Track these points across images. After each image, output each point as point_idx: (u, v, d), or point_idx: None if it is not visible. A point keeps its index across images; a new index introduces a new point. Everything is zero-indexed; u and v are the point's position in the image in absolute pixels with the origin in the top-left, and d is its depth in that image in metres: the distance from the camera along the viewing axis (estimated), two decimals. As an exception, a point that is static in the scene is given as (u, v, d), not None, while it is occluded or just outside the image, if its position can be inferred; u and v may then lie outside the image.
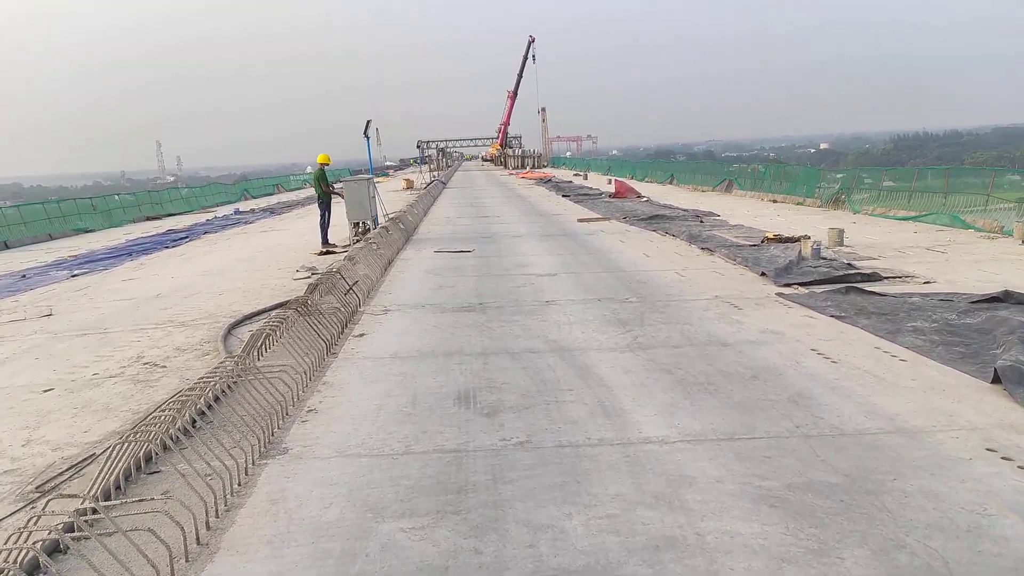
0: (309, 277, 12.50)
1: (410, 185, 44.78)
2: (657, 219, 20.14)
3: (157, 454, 4.84)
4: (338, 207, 17.19)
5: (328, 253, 15.66)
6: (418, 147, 46.09)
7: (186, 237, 22.26)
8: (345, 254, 13.11)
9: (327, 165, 17.22)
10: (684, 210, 22.67)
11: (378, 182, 54.96)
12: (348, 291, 9.45)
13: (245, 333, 8.42)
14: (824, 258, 12.36)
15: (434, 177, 50.58)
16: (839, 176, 24.72)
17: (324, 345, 7.50)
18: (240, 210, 33.88)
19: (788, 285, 10.39)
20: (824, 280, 10.52)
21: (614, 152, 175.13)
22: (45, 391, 6.85)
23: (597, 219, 21.14)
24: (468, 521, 4.02)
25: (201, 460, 4.57)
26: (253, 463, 4.82)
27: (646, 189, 32.93)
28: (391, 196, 37.41)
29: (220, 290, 11.95)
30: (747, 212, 21.96)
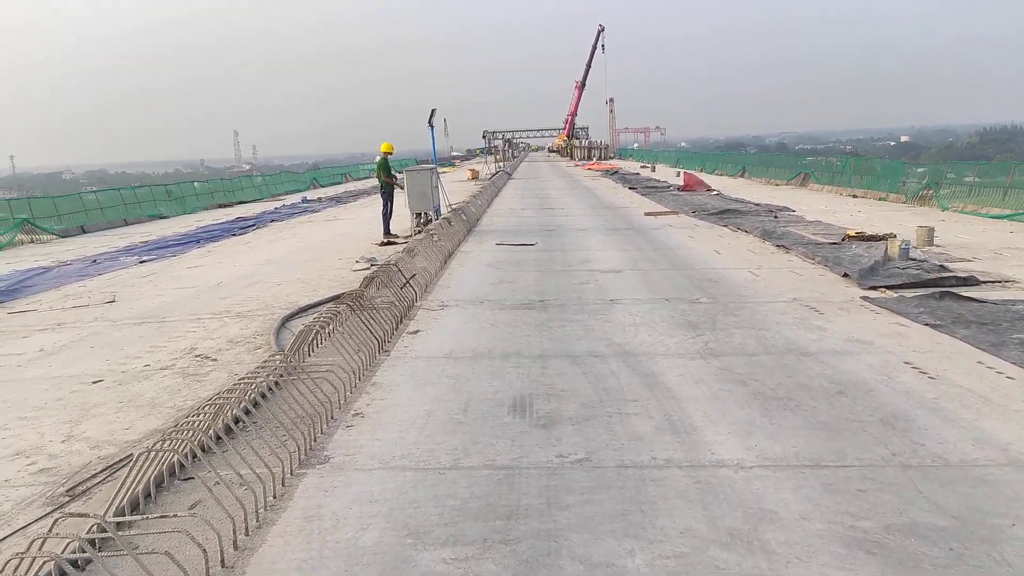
0: (368, 268, 12.28)
1: (475, 175, 44.61)
2: (728, 214, 19.30)
3: (193, 458, 4.58)
4: (400, 197, 17.01)
5: (389, 244, 15.46)
6: (484, 137, 45.82)
7: (253, 225, 22.49)
8: (405, 245, 12.86)
9: (390, 154, 17.03)
10: (757, 205, 21.73)
11: (443, 172, 54.99)
12: (404, 285, 9.14)
13: (299, 326, 8.18)
14: (913, 259, 11.46)
15: (499, 167, 50.30)
16: (921, 171, 23.27)
17: (376, 343, 7.19)
18: (308, 199, 34.26)
19: (874, 288, 9.61)
20: (915, 284, 9.70)
21: (682, 144, 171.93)
22: (95, 382, 6.74)
23: (665, 213, 20.42)
24: (517, 554, 3.60)
25: (238, 467, 4.28)
26: (292, 472, 4.51)
27: (716, 182, 31.89)
28: (456, 186, 37.28)
29: (279, 280, 11.84)
30: (824, 207, 20.87)
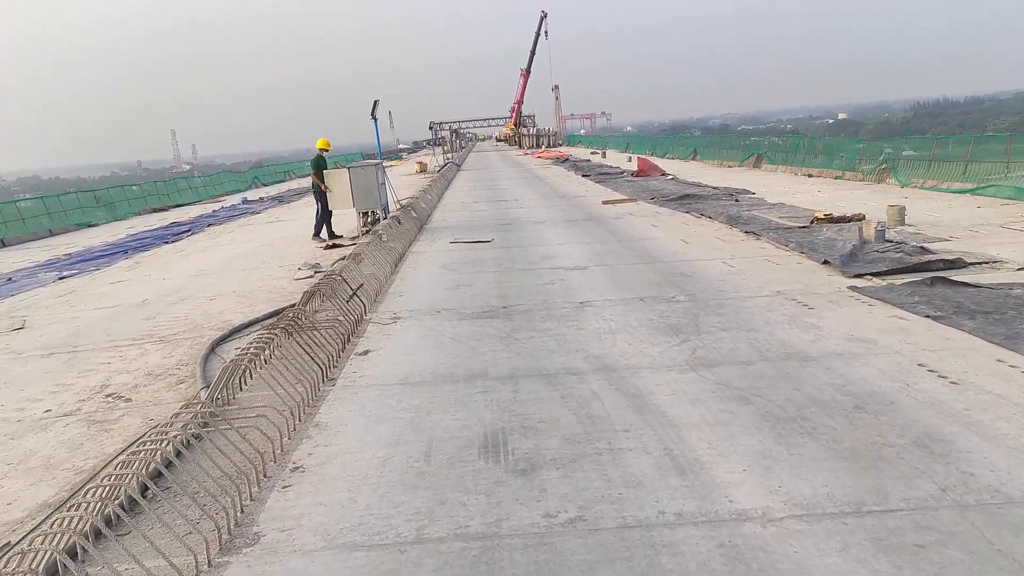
0: (312, 276, 11.24)
1: (423, 168, 43.45)
2: (688, 199, 18.68)
3: (83, 550, 3.59)
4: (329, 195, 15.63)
5: (335, 247, 14.39)
6: (430, 128, 44.51)
7: (188, 231, 21.11)
8: (352, 249, 11.84)
9: (327, 151, 15.81)
10: (715, 188, 21.18)
11: (390, 166, 53.55)
12: (351, 297, 8.16)
13: (232, 351, 7.17)
14: (890, 241, 10.89)
15: (448, 159, 49.16)
16: (888, 150, 22.99)
17: (320, 370, 6.22)
18: (248, 199, 32.75)
19: (859, 276, 8.97)
20: (900, 269, 9.09)
21: (628, 128, 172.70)
22: (-19, 437, 5.64)
23: (623, 200, 19.70)
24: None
25: (144, 555, 3.32)
26: (209, 564, 3.55)
27: (669, 166, 31.38)
28: (403, 180, 36.09)
29: (213, 293, 10.72)
30: (784, 188, 20.42)
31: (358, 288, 8.51)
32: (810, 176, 24.08)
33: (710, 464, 4.29)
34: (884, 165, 21.13)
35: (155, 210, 31.46)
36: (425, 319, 8.16)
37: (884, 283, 8.52)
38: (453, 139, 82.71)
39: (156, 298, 10.81)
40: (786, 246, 11.25)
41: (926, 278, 8.45)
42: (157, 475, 4.35)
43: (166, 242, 18.72)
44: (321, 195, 15.35)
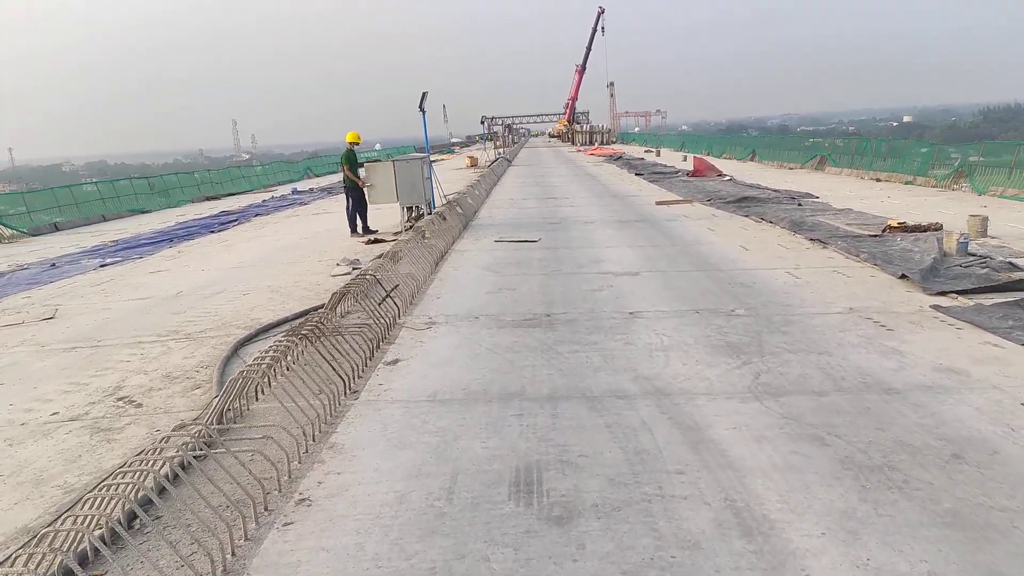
0: (349, 273, 10.79)
1: (474, 163, 43.03)
2: (747, 202, 17.77)
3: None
4: (371, 189, 15.18)
5: (376, 241, 13.96)
6: (482, 122, 43.94)
7: (236, 220, 21.00)
8: (392, 245, 11.36)
9: (356, 144, 15.34)
10: (775, 191, 20.18)
11: (441, 160, 53.27)
12: (384, 299, 7.65)
13: (255, 352, 6.71)
14: (974, 255, 9.94)
15: (499, 154, 48.66)
16: (954, 154, 21.63)
17: (343, 381, 5.71)
18: (298, 190, 32.75)
19: (942, 294, 8.11)
20: (988, 288, 8.19)
21: (684, 127, 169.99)
22: (-21, 442, 5.27)
23: (677, 201, 18.87)
24: None
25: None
26: (185, 624, 3.04)
27: (726, 166, 30.29)
28: (453, 175, 35.71)
29: (247, 288, 10.35)
30: (850, 193, 19.33)
31: (392, 289, 7.99)
32: (878, 180, 22.86)
33: (781, 523, 3.62)
34: (959, 171, 19.85)
35: (208, 198, 31.66)
36: (462, 326, 7.59)
37: (971, 303, 7.65)
38: (506, 134, 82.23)
39: (191, 290, 10.49)
40: (857, 256, 10.38)
41: (1020, 299, 7.56)
42: (148, 502, 3.88)
43: (212, 231, 18.58)
44: (354, 189, 14.94)
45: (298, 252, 13.59)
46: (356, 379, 5.98)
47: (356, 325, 6.82)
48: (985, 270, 9.09)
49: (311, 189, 33.00)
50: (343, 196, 15.90)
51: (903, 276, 8.89)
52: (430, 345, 6.95)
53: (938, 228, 12.26)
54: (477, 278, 10.06)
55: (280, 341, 5.64)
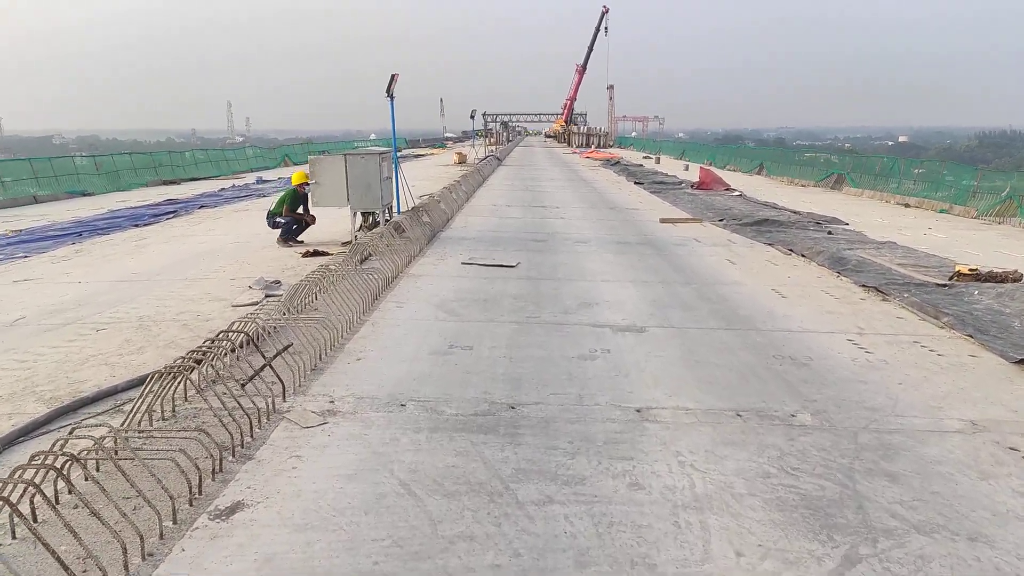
0: (257, 304, 8.05)
1: (462, 160, 40.23)
2: (766, 225, 15.15)
3: None
4: (317, 188, 12.30)
5: (316, 254, 11.18)
6: (471, 117, 41.11)
7: (174, 212, 18.16)
8: (340, 255, 8.61)
9: (306, 186, 12.44)
10: (795, 213, 17.60)
11: (431, 155, 50.21)
12: (251, 378, 4.91)
13: (40, 446, 3.97)
14: (1096, 326, 7.35)
15: (489, 152, 45.88)
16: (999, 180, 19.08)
17: (137, 544, 2.98)
18: (262, 179, 30.01)
19: (1100, 401, 5.48)
20: None
21: (680, 135, 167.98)
22: None
23: (686, 220, 16.21)
24: None
25: None
26: None
27: (732, 180, 27.70)
28: (438, 171, 32.93)
29: (112, 318, 7.60)
30: (880, 220, 16.76)
31: (282, 351, 5.25)
32: (907, 206, 20.33)
33: None
34: (1007, 201, 17.32)
35: (165, 182, 28.83)
36: (375, 423, 4.85)
37: None
38: (501, 131, 79.45)
39: (38, 315, 7.73)
40: (936, 319, 7.75)
41: None
42: None
43: (137, 225, 15.74)
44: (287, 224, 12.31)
45: (215, 262, 10.81)
46: (160, 539, 3.25)
47: (179, 434, 4.09)
48: None
49: (279, 178, 30.20)
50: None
51: (1021, 361, 6.26)
52: (306, 470, 4.19)
53: (1017, 278, 9.72)
54: (424, 326, 7.30)
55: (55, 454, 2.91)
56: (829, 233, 14.35)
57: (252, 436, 4.50)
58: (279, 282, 9.13)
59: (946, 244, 13.25)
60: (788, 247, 12.42)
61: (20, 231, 14.95)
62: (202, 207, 19.40)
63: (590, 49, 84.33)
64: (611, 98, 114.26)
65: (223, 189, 25.44)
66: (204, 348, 5.01)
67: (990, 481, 4.14)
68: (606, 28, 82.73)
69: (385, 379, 5.67)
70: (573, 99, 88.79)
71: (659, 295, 8.78)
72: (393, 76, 14.15)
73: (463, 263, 10.58)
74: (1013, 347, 6.60)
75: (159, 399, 4.50)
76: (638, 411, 5.11)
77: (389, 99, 14.19)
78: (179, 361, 4.72)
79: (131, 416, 4.30)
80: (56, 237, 14.12)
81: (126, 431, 3.92)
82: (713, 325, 7.45)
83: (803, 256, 11.66)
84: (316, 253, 11.18)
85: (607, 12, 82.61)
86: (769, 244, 12.93)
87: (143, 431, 4.11)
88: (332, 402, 5.16)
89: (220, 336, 5.08)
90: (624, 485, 4.03)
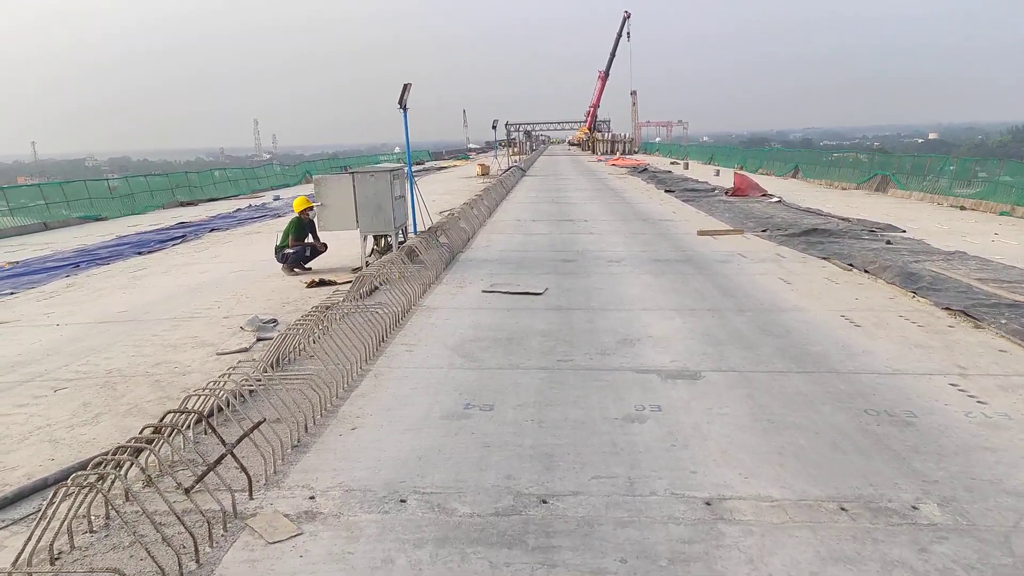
0: (247, 350, 6.98)
1: (485, 171, 39.24)
2: (816, 235, 13.83)
3: None
4: (323, 211, 11.33)
5: (321, 284, 10.12)
6: (493, 127, 40.05)
7: (182, 237, 17.29)
8: (341, 284, 7.53)
9: (310, 211, 11.48)
10: (843, 219, 16.25)
11: (454, 166, 49.34)
12: (204, 475, 3.79)
13: None
14: None
15: (513, 163, 44.82)
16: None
17: None
18: (279, 197, 29.21)
19: None
20: None
21: (705, 138, 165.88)
22: None
23: (726, 232, 14.93)
24: None
25: None
26: None
27: (767, 184, 26.28)
28: (461, 184, 31.95)
29: (74, 374, 6.56)
30: (938, 226, 15.34)
31: (235, 444, 4.12)
32: (962, 208, 18.83)
33: None
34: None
35: (182, 203, 28.17)
36: (364, 533, 3.70)
37: None
38: (525, 141, 78.49)
39: (-5, 372, 6.73)
40: (1049, 352, 6.44)
41: None
42: None
43: (140, 253, 14.85)
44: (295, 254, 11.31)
45: (212, 295, 9.79)
46: None
47: (145, 522, 2.98)
48: None
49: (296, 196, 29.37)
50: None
51: None
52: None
53: None
54: (436, 376, 6.15)
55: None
56: (888, 243, 12.99)
57: (199, 560, 3.38)
58: (275, 321, 8.06)
59: (1021, 252, 11.85)
60: (847, 261, 11.11)
61: (16, 263, 14.13)
62: (213, 230, 18.51)
63: (612, 55, 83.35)
64: (634, 103, 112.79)
65: (239, 210, 24.63)
66: (155, 427, 3.91)
67: None
68: (628, 33, 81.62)
69: (383, 459, 4.52)
70: (596, 106, 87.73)
71: (710, 327, 7.56)
72: (406, 86, 13.11)
73: (484, 291, 9.43)
74: None
75: (80, 508, 3.40)
76: (708, 504, 3.91)
77: (402, 111, 13.14)
78: (117, 449, 3.62)
79: (29, 543, 3.20)
80: (52, 269, 13.26)
81: (17, 572, 2.83)
82: (781, 367, 6.22)
83: (866, 272, 10.34)
84: (322, 283, 10.11)
85: (629, 16, 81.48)
86: (824, 258, 11.62)
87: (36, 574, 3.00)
88: (312, 498, 4.02)
89: (167, 417, 3.97)
90: (706, 643, 2.84)
